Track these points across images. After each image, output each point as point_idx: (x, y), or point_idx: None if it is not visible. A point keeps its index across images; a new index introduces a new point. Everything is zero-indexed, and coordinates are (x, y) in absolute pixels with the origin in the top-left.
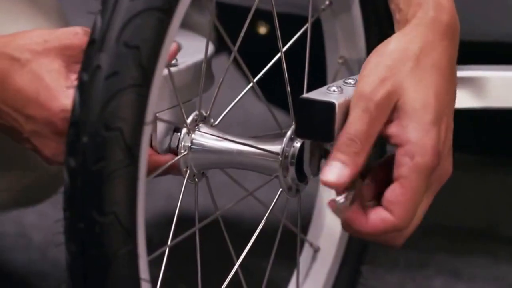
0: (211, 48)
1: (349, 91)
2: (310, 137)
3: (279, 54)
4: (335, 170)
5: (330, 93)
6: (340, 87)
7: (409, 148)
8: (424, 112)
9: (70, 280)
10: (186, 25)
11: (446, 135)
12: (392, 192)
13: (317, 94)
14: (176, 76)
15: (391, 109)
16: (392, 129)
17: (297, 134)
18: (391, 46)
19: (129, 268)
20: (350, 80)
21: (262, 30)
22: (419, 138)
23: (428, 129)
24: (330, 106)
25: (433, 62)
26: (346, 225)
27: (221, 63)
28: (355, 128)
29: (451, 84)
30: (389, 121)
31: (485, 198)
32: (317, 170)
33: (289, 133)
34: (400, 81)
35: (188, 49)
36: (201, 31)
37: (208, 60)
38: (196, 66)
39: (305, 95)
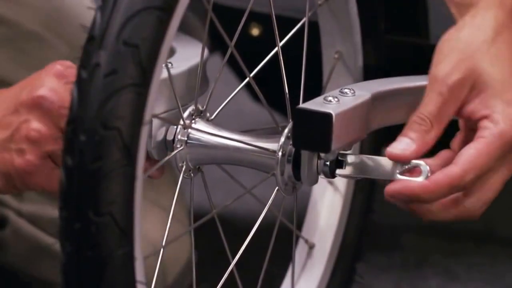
0: (205, 52)
1: (346, 101)
2: (307, 147)
3: (276, 49)
4: (401, 145)
5: (327, 103)
6: (337, 97)
7: (494, 117)
8: (505, 87)
9: (64, 281)
10: (179, 27)
11: None
12: (466, 148)
13: (313, 105)
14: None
15: (468, 91)
16: (474, 106)
17: (294, 144)
18: (464, 31)
19: (125, 270)
20: (346, 90)
21: (255, 31)
22: (503, 109)
23: (510, 101)
24: (327, 116)
25: (507, 40)
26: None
27: (214, 62)
28: (427, 110)
29: None
30: (468, 101)
31: None
32: (315, 180)
33: (286, 130)
34: (475, 63)
35: (182, 53)
36: (195, 34)
37: (204, 65)
38: (190, 71)
39: (302, 105)
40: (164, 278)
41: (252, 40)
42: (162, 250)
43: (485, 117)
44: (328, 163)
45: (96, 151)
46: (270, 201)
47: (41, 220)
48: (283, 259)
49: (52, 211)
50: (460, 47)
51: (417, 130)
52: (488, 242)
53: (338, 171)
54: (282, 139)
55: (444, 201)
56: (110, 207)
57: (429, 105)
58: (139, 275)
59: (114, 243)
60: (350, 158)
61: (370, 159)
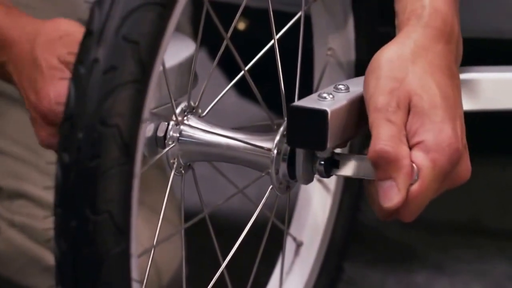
0: (192, 47)
1: (340, 97)
2: (302, 145)
3: (272, 42)
4: (389, 194)
5: (322, 100)
6: (331, 93)
7: (424, 146)
8: (434, 112)
9: (59, 280)
10: None
11: (462, 133)
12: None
13: (308, 102)
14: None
15: (405, 112)
16: (408, 128)
17: (289, 143)
18: (385, 56)
19: (121, 268)
20: (341, 86)
21: (241, 25)
22: (434, 137)
23: (441, 128)
24: (323, 114)
25: (428, 62)
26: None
27: (199, 59)
28: (384, 142)
29: (453, 82)
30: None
31: (468, 192)
32: (310, 178)
33: (281, 128)
34: (405, 86)
35: (171, 48)
36: (180, 29)
37: (192, 60)
38: (181, 67)
39: (296, 103)
40: (159, 279)
41: (238, 34)
42: (153, 249)
43: (417, 143)
44: (323, 161)
45: (94, 148)
46: (263, 201)
47: (33, 231)
48: (270, 257)
49: (44, 223)
50: (386, 75)
51: (392, 169)
52: (474, 235)
53: (333, 171)
54: (277, 137)
55: None
56: (108, 205)
57: (384, 135)
58: (135, 273)
59: (111, 241)
60: (344, 159)
61: (364, 160)
